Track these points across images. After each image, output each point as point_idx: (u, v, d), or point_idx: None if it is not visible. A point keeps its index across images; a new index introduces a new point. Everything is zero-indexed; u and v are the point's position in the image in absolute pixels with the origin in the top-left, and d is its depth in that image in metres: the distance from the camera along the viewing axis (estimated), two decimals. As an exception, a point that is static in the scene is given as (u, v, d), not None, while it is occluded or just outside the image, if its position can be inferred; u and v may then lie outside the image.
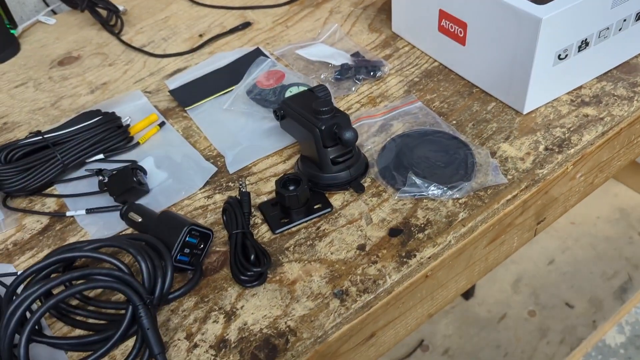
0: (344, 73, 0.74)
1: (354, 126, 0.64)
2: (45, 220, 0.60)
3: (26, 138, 0.63)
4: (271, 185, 0.61)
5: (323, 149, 0.56)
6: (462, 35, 0.68)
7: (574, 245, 1.55)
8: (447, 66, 0.74)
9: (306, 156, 0.60)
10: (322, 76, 0.74)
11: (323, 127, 0.55)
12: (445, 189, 0.56)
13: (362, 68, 0.74)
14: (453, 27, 0.69)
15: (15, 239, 0.58)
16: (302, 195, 0.56)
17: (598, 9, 0.61)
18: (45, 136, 0.62)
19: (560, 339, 1.37)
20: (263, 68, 0.73)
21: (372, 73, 0.74)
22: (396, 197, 0.56)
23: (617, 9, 0.62)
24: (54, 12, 0.97)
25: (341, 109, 0.69)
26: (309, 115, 0.57)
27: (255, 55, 0.78)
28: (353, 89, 0.72)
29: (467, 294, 1.45)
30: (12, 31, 0.86)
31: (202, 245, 0.53)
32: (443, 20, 0.70)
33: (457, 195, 0.56)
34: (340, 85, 0.73)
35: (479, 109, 0.67)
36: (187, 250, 0.51)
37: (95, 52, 0.84)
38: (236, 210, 0.55)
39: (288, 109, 0.60)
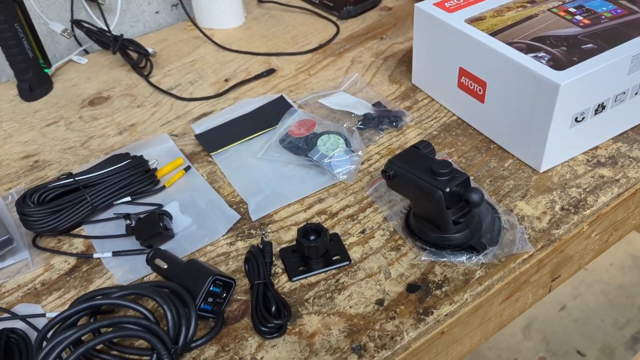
0: (367, 122, 0.76)
1: (378, 183, 0.66)
2: (72, 260, 0.62)
3: (58, 179, 0.65)
4: (292, 234, 0.62)
5: (446, 211, 0.55)
6: (481, 93, 0.70)
7: (586, 292, 1.54)
8: (465, 121, 0.76)
9: (419, 215, 0.59)
10: (344, 125, 0.76)
11: (447, 190, 0.54)
12: (472, 254, 0.57)
13: (384, 118, 0.76)
14: (472, 85, 0.71)
15: (43, 279, 0.60)
16: (322, 247, 0.57)
17: (615, 75, 0.63)
18: (77, 178, 0.65)
19: (571, 388, 1.36)
20: (294, 118, 0.75)
21: (394, 123, 0.76)
22: (422, 259, 0.58)
23: (634, 75, 0.64)
24: (86, 51, 1.01)
25: (362, 159, 0.71)
26: (425, 175, 0.55)
27: (279, 102, 0.81)
28: (377, 138, 0.74)
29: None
30: (46, 70, 0.90)
31: (224, 295, 0.54)
32: (463, 77, 0.72)
33: (483, 261, 0.57)
34: (362, 135, 0.75)
35: (496, 165, 0.69)
36: (210, 299, 0.53)
37: (125, 93, 0.88)
38: (258, 260, 0.57)
39: (399, 169, 0.57)
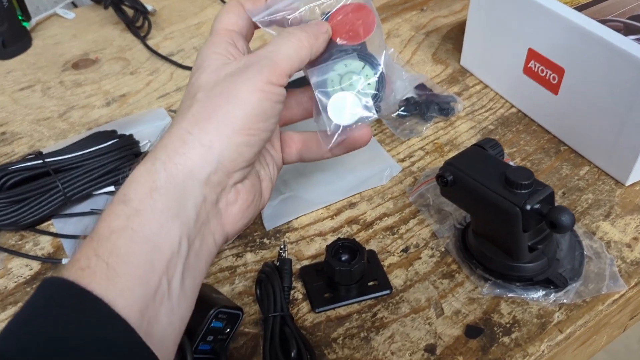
0: (410, 109, 0.62)
1: (424, 188, 0.53)
2: (36, 265, 0.49)
3: (24, 159, 0.52)
4: (315, 247, 0.49)
5: (522, 234, 0.42)
6: (555, 82, 0.57)
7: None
8: (528, 115, 0.62)
9: (482, 234, 0.46)
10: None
11: (528, 208, 0.41)
12: (549, 290, 0.44)
13: (432, 104, 0.62)
14: (545, 71, 0.57)
15: (-4, 287, 0.47)
16: (358, 272, 0.44)
17: None
18: (47, 160, 0.51)
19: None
20: None
21: (444, 111, 0.62)
22: (484, 292, 0.45)
23: None
24: (74, 4, 0.87)
25: (401, 155, 0.58)
26: (497, 186, 0.42)
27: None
28: (422, 129, 0.60)
29: None
30: (24, 23, 0.75)
31: (228, 329, 0.41)
32: (532, 61, 0.59)
33: (564, 300, 0.44)
34: (403, 124, 0.61)
35: (569, 173, 0.56)
36: (210, 338, 0.40)
37: (116, 57, 0.74)
38: (274, 284, 0.43)
39: (461, 175, 0.44)
